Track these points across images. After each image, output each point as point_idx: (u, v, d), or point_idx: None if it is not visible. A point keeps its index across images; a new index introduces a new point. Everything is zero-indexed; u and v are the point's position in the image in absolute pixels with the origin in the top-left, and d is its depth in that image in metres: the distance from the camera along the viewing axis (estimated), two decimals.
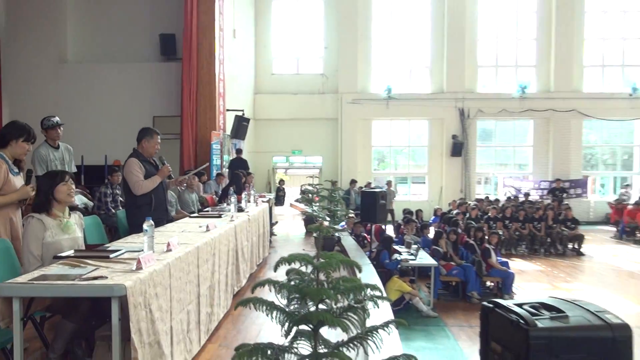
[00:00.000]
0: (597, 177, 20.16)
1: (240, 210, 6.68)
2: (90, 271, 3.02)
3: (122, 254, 3.48)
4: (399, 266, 9.09)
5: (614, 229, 16.44)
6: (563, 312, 3.64)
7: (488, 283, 10.10)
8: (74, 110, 12.77)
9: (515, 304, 3.74)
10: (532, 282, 10.75)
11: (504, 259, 10.70)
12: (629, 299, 9.79)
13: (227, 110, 13.92)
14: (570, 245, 13.77)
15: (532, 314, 3.58)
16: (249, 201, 7.63)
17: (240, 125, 14.75)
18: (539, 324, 3.47)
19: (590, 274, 12.02)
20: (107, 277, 2.90)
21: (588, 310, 3.68)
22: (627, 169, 20.04)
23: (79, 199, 7.72)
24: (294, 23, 19.93)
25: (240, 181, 9.53)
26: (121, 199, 8.15)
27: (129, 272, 3.01)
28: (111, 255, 3.39)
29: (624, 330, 3.52)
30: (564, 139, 18.92)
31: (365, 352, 2.56)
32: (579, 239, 13.73)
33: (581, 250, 13.61)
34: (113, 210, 7.96)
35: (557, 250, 13.65)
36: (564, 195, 17.54)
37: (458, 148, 18.75)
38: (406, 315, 8.22)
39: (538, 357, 3.37)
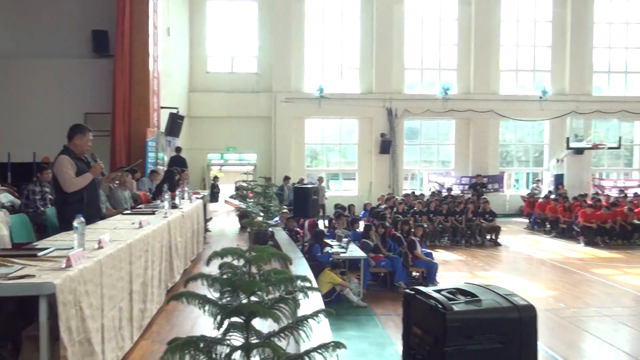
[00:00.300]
0: (512, 173, 21.58)
1: (174, 206, 6.72)
2: (16, 270, 2.92)
3: (51, 252, 3.38)
4: (331, 259, 9.32)
5: (527, 220, 17.62)
6: (477, 296, 4.04)
7: (414, 273, 10.51)
8: (0, 106, 12.23)
9: (435, 290, 4.10)
10: (454, 272, 11.35)
11: (429, 250, 11.19)
12: (539, 284, 10.64)
13: (162, 107, 13.78)
14: (488, 237, 14.64)
15: (449, 299, 3.94)
16: (183, 198, 7.68)
17: (175, 123, 14.62)
18: (455, 308, 3.83)
19: (506, 263, 12.90)
20: (34, 276, 2.81)
21: (498, 294, 4.10)
22: (538, 165, 21.55)
23: (5, 197, 7.47)
24: (229, 23, 19.92)
25: (174, 178, 9.51)
26: (51, 196, 7.94)
27: (58, 270, 2.93)
28: (39, 254, 3.28)
29: (529, 311, 3.96)
30: (483, 138, 20.10)
31: (296, 341, 2.75)
32: (496, 230, 14.66)
33: (498, 240, 14.53)
34: (42, 209, 7.75)
35: (476, 241, 14.48)
36: (484, 189, 18.64)
37: (386, 146, 19.44)
38: (337, 306, 8.43)
39: (454, 338, 3.71)
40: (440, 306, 3.79)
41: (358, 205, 16.44)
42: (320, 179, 17.59)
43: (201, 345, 2.47)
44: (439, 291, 4.09)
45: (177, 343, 2.44)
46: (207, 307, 2.53)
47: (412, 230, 11.29)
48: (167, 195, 6.49)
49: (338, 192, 20.26)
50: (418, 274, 10.54)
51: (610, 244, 14.43)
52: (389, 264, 10.06)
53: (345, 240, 10.15)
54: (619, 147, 19.90)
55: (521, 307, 3.95)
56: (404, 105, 19.68)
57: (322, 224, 13.00)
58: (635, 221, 14.91)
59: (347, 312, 8.43)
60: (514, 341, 3.81)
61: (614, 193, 18.32)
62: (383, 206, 14.62)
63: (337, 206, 13.38)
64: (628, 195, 17.47)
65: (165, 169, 12.66)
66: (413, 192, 17.39)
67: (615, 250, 13.84)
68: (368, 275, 9.89)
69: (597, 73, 21.09)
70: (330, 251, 9.57)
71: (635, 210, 15.17)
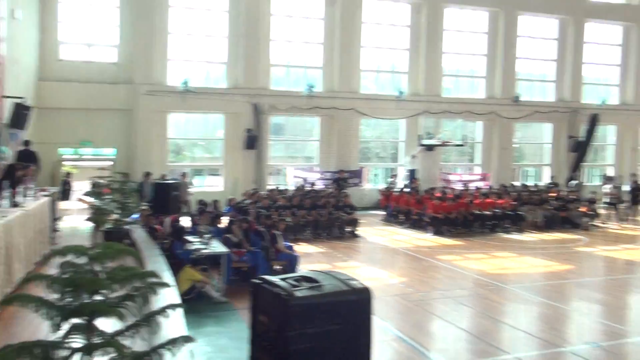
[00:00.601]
0: (371, 168, 22.84)
1: (14, 205, 6.29)
2: None
3: None
4: (192, 256, 9.26)
5: (384, 213, 18.69)
6: (319, 282, 4.31)
7: (276, 267, 10.71)
8: None
9: (281, 279, 4.30)
10: (315, 264, 11.71)
11: (290, 244, 11.43)
12: (392, 272, 11.45)
13: (4, 97, 12.54)
14: (348, 229, 15.35)
15: (293, 286, 4.17)
16: (26, 195, 7.18)
17: (20, 114, 13.38)
18: (298, 294, 4.06)
19: (363, 253, 13.67)
20: None
21: (339, 279, 4.41)
22: (394, 161, 23.04)
23: None
24: (85, 8, 18.61)
25: (15, 174, 8.78)
26: None
27: None
28: None
29: (365, 294, 4.32)
30: (345, 135, 20.98)
31: (144, 338, 2.75)
32: (355, 222, 15.43)
33: (356, 232, 15.29)
34: None
35: (336, 234, 15.10)
36: (345, 184, 19.53)
37: (252, 141, 19.51)
38: (198, 303, 8.38)
39: (296, 322, 3.93)
40: (283, 293, 4.00)
41: (224, 200, 16.37)
42: (184, 175, 17.22)
43: (37, 350, 2.37)
44: (284, 279, 4.29)
45: (8, 350, 2.32)
46: (44, 310, 2.43)
47: (275, 224, 11.51)
48: (7, 193, 6.04)
49: (203, 188, 19.95)
50: (280, 267, 10.76)
51: (454, 232, 15.83)
52: (251, 258, 10.15)
53: (207, 236, 10.10)
54: (463, 145, 21.98)
55: (358, 290, 4.29)
56: (270, 101, 19.92)
57: (185, 221, 12.78)
58: (476, 211, 16.56)
59: (208, 309, 8.39)
60: (351, 321, 4.14)
61: (459, 186, 20.17)
62: (247, 201, 14.71)
63: (200, 202, 13.24)
64: (470, 188, 19.38)
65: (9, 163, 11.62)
66: (277, 187, 17.70)
67: (458, 238, 15.23)
68: (230, 270, 9.89)
69: (446, 76, 23.05)
70: (191, 248, 9.47)
71: (475, 201, 16.86)
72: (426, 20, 21.93)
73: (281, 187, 17.94)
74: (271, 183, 20.07)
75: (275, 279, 4.31)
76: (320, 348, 3.94)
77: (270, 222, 11.42)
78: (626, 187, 19.67)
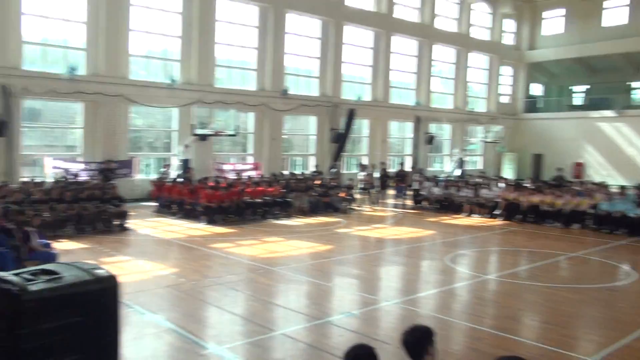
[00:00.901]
0: (143, 158, 21.99)
1: None
2: None
3: None
4: None
5: (156, 204, 18.26)
6: (58, 273, 4.06)
7: (30, 267, 9.81)
8: None
9: (13, 274, 3.93)
10: (79, 260, 10.98)
11: (49, 241, 10.54)
12: (164, 263, 11.21)
13: None
14: (116, 222, 14.58)
15: (28, 280, 3.85)
16: None
17: None
18: (33, 288, 3.76)
19: (133, 246, 13.14)
20: None
21: (82, 268, 4.21)
22: (167, 150, 22.52)
23: None
24: None
25: None
26: None
27: None
28: None
29: (110, 282, 4.20)
30: (113, 122, 19.76)
31: None
32: (123, 215, 14.73)
33: (125, 225, 14.62)
34: None
35: (102, 228, 14.25)
36: (112, 175, 18.44)
37: (1, 128, 17.13)
38: None
39: (30, 319, 3.64)
40: (14, 288, 3.68)
41: None
42: None
43: None
44: (18, 274, 3.95)
45: None
46: None
47: (29, 220, 10.44)
48: None
49: None
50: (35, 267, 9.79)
51: (227, 220, 16.19)
52: None
53: None
54: (235, 135, 22.54)
55: (102, 278, 4.16)
56: (23, 83, 17.69)
57: None
58: (248, 199, 17.18)
59: None
60: (94, 312, 4.00)
61: (232, 176, 20.67)
62: None
63: None
64: (242, 177, 20.02)
65: None
66: (32, 179, 15.99)
67: (231, 226, 15.63)
68: None
69: (219, 66, 23.30)
70: None
71: (247, 190, 17.50)
72: (198, 8, 21.78)
73: (37, 180, 16.22)
74: (25, 175, 17.92)
75: (6, 274, 3.92)
76: (57, 343, 3.72)
77: (23, 218, 10.35)
78: (377, 174, 22.49)
